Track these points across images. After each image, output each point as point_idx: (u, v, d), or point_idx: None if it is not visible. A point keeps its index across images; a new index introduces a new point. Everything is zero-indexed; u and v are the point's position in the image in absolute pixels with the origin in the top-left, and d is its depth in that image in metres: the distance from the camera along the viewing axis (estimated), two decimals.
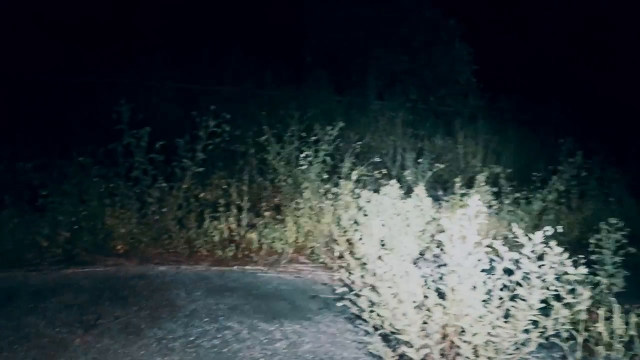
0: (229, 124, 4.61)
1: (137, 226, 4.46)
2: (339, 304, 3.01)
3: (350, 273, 3.04)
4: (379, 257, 2.76)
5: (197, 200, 4.69)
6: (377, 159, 5.92)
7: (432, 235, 4.20)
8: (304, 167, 5.07)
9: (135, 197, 4.49)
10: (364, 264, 3.03)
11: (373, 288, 2.75)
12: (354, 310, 2.94)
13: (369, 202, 4.16)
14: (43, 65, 8.90)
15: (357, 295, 2.85)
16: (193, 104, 7.85)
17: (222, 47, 9.39)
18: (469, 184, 5.38)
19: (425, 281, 2.69)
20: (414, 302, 2.61)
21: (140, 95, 7.90)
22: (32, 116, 7.02)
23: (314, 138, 5.14)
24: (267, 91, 9.06)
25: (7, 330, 3.19)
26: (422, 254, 3.61)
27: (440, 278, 2.66)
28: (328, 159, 5.15)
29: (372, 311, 2.76)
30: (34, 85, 8.59)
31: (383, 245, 3.16)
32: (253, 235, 4.72)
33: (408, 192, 4.45)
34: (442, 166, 5.74)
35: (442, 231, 2.64)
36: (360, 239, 3.14)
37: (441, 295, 2.63)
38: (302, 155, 5.10)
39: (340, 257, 3.46)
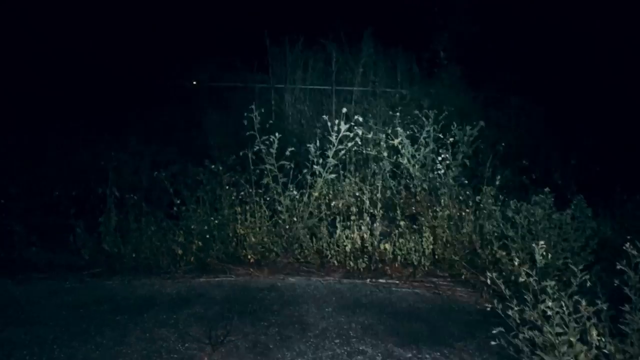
0: (361, 126, 4.35)
1: (268, 235, 4.35)
2: (493, 342, 2.61)
3: (501, 300, 2.64)
4: (544, 289, 2.33)
5: (329, 209, 4.48)
6: (524, 162, 5.35)
7: (594, 252, 3.65)
8: (441, 172, 4.70)
9: (266, 205, 4.37)
10: (519, 289, 2.62)
11: (534, 325, 2.33)
12: (508, 344, 2.55)
13: (517, 212, 3.72)
14: (175, 71, 9.27)
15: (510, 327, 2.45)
16: (321, 106, 7.75)
17: (347, 44, 9.14)
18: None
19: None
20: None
21: (269, 99, 7.95)
22: (171, 122, 7.27)
23: (451, 139, 4.74)
24: (398, 89, 8.69)
25: (142, 342, 3.17)
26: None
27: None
28: (467, 162, 4.73)
29: (533, 354, 2.34)
30: (169, 90, 8.97)
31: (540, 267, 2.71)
32: (387, 246, 4.43)
33: (563, 200, 3.92)
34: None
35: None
36: (512, 259, 2.72)
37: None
38: (439, 158, 4.73)
39: (486, 274, 3.05)
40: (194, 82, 9.41)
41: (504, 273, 3.65)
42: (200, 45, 9.56)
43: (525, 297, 2.53)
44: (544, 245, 2.60)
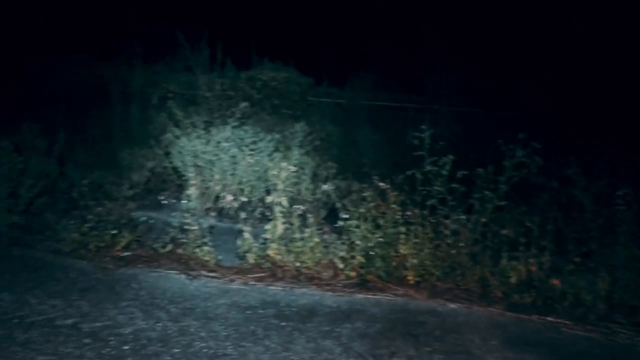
0: (537, 154, 4.13)
1: (430, 257, 4.25)
2: None
3: None
4: None
5: (496, 236, 4.29)
6: None
7: None
8: (621, 208, 4.31)
9: (431, 227, 4.28)
10: None
11: None
12: None
13: None
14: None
15: None
16: (484, 129, 7.51)
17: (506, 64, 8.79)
18: None
19: None
20: None
21: (421, 120, 7.87)
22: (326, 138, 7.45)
23: None
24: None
25: (308, 351, 3.22)
26: None
27: None
28: None
29: None
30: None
31: None
32: (556, 282, 4.14)
33: None
34: None
35: None
36: None
37: None
38: (619, 193, 4.35)
39: None
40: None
41: None
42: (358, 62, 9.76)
43: None
44: None
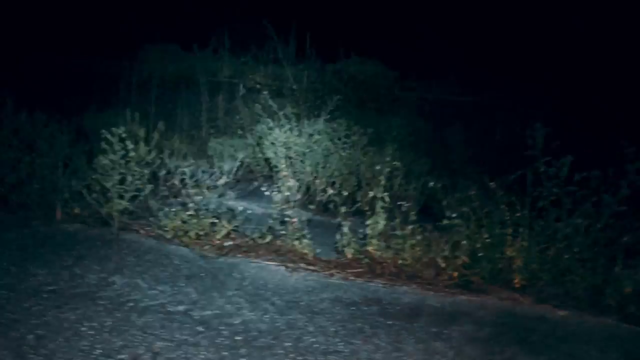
0: None
1: (538, 261, 4.07)
2: None
3: None
4: None
5: (611, 243, 4.05)
6: None
7: None
8: None
9: (540, 230, 4.09)
10: None
11: None
12: None
13: None
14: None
15: None
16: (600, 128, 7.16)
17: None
18: None
19: None
20: None
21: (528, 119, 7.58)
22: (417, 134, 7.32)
23: None
24: None
25: (419, 353, 3.14)
26: None
27: None
28: None
29: None
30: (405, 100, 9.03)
31: None
32: None
33: None
34: None
35: None
36: None
37: None
38: None
39: None
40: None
41: None
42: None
43: None
44: None
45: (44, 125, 5.11)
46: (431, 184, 4.25)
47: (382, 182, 4.42)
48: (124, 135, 4.09)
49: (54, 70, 8.84)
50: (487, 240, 4.05)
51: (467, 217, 4.24)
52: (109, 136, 4.06)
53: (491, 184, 4.04)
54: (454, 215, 4.09)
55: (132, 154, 4.11)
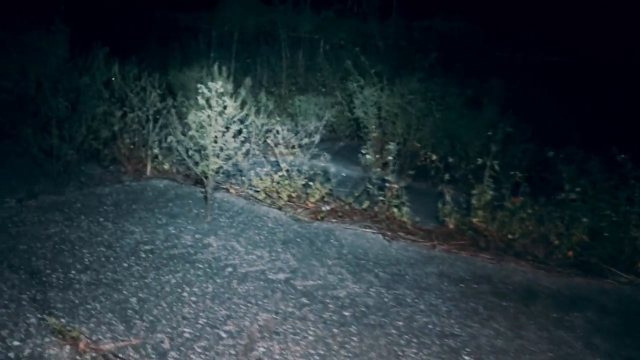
0: None
1: None
2: None
3: None
4: None
5: None
6: None
7: None
8: None
9: None
10: None
11: None
12: None
13: None
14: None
15: None
16: None
17: None
18: None
19: None
20: None
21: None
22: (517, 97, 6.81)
23: None
24: None
25: (543, 341, 2.85)
26: None
27: None
28: None
29: None
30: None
31: None
32: None
33: None
34: None
35: None
36: None
37: None
38: None
39: None
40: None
41: None
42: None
43: None
44: None
45: (134, 79, 5.00)
46: (550, 153, 3.85)
47: (494, 149, 4.07)
48: (221, 90, 3.89)
49: (140, 24, 8.79)
50: (614, 218, 3.66)
51: (586, 192, 3.85)
52: (206, 91, 3.88)
53: (622, 156, 3.61)
54: (576, 189, 3.70)
55: (229, 110, 3.91)
